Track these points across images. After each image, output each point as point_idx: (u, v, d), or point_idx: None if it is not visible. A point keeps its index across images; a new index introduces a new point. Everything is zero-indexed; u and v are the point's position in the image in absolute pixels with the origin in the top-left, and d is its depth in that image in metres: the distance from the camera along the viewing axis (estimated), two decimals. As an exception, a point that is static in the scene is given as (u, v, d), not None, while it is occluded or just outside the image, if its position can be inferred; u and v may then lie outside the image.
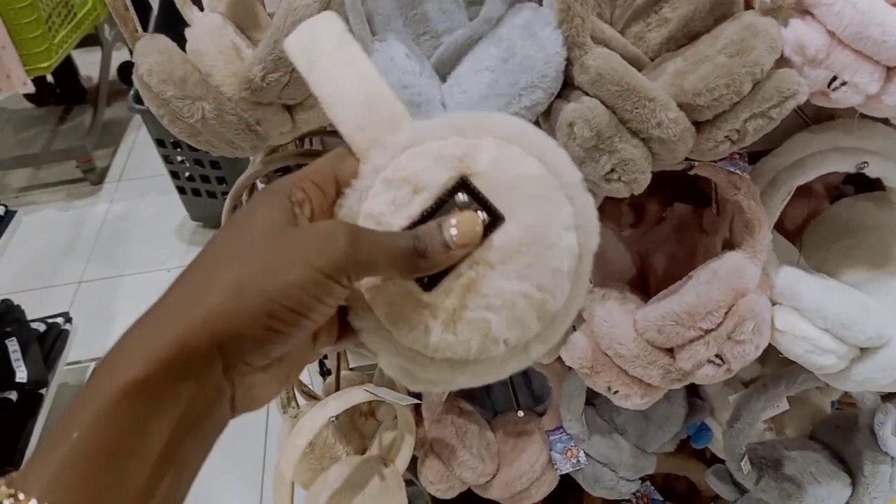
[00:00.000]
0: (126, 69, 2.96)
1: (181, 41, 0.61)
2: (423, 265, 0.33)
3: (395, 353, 0.36)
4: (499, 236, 0.34)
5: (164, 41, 0.57)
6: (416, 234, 0.33)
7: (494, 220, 0.34)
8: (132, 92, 2.06)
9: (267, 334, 0.31)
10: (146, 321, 0.31)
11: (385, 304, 0.35)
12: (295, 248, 0.31)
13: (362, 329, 0.36)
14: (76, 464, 0.27)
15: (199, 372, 0.30)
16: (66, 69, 2.78)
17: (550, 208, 0.35)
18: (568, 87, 0.56)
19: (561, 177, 0.36)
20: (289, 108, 0.61)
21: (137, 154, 2.73)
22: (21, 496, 0.26)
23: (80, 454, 0.27)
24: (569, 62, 0.55)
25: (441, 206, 0.35)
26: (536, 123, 0.58)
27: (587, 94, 0.55)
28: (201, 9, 0.64)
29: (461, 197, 0.35)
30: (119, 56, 2.89)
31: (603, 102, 0.54)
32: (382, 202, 0.35)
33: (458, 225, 0.33)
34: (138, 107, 2.03)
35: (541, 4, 0.56)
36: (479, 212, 0.34)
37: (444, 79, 0.60)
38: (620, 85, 0.53)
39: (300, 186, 0.34)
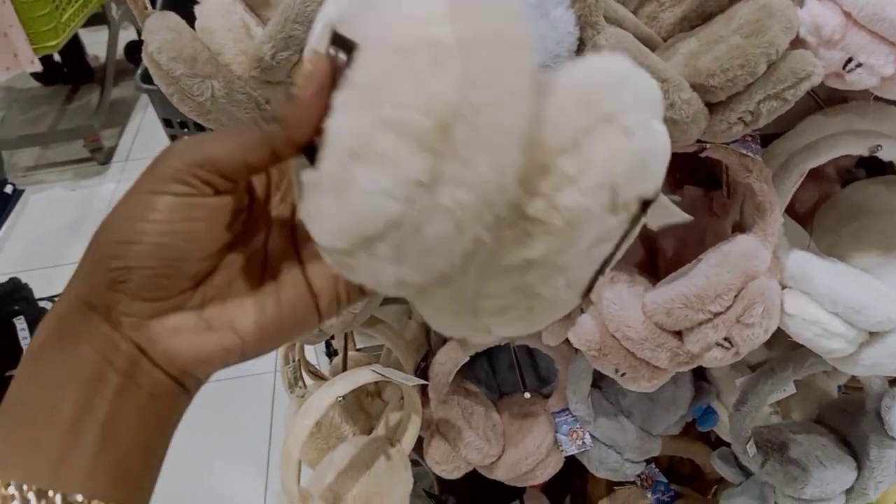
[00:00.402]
0: (133, 48, 2.96)
1: (189, 19, 0.61)
2: (279, 133, 0.30)
3: None
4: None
5: (173, 18, 0.57)
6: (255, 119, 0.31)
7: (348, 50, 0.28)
8: (139, 71, 2.05)
9: (118, 275, 0.30)
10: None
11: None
12: (155, 180, 0.30)
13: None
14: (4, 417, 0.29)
15: (78, 332, 0.30)
16: (74, 48, 2.77)
17: None
18: (580, 67, 0.55)
19: None
20: (298, 87, 0.61)
21: (145, 134, 2.73)
22: None
23: (8, 410, 0.29)
24: (581, 42, 0.54)
25: None
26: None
27: (599, 75, 0.54)
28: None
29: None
30: (126, 35, 2.88)
31: (615, 83, 0.53)
32: None
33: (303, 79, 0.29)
34: (146, 86, 2.01)
35: (553, -17, 0.56)
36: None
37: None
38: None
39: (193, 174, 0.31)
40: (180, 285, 0.31)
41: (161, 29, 0.56)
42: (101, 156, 2.59)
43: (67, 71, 2.90)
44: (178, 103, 0.58)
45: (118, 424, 0.29)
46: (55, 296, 1.79)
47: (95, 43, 2.91)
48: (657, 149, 0.31)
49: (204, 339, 0.32)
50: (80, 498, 0.27)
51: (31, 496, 0.26)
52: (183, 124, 2.05)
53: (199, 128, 2.20)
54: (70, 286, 0.31)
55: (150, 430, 0.31)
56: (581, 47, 0.54)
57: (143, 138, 2.71)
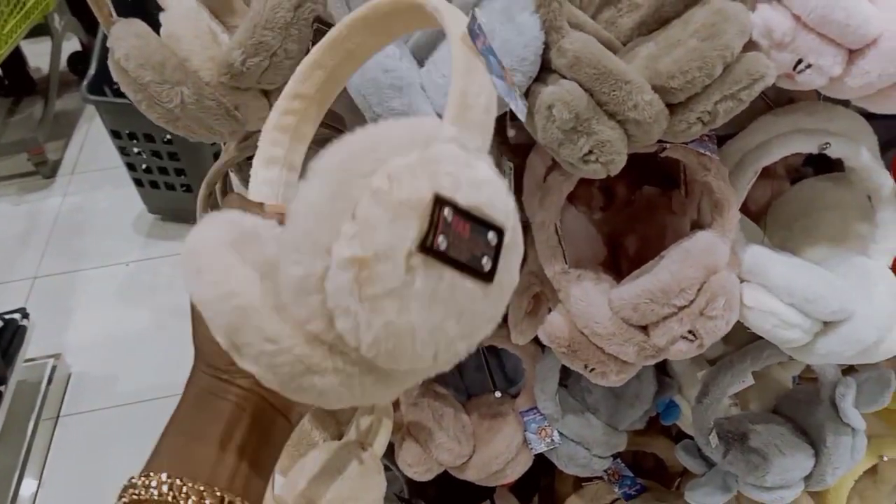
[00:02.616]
0: (76, 59, 2.89)
1: (152, 26, 0.60)
2: None
3: None
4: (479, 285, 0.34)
5: (140, 25, 0.57)
6: None
7: (489, 276, 0.34)
8: (86, 82, 2.02)
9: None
10: None
11: None
12: None
13: None
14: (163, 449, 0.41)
15: (217, 393, 0.41)
16: (15, 60, 2.70)
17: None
18: (545, 70, 0.57)
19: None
20: (266, 94, 0.61)
21: (90, 146, 2.67)
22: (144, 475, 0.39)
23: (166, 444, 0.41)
24: (546, 46, 0.56)
25: (478, 223, 0.34)
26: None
27: (564, 78, 0.56)
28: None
29: (492, 236, 0.34)
30: (69, 46, 2.82)
31: (581, 85, 0.55)
32: None
33: None
34: (92, 97, 1.99)
35: (518, -11, 0.57)
36: (487, 260, 0.34)
37: (421, 63, 0.61)
38: (597, 68, 0.54)
39: None
40: None
41: (128, 36, 0.56)
42: (46, 169, 2.53)
43: (9, 83, 2.82)
44: (147, 110, 0.58)
45: (248, 450, 0.41)
46: (4, 313, 1.74)
47: (37, 54, 2.84)
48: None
49: None
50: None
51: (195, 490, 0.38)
52: (132, 135, 2.02)
53: (149, 139, 2.15)
54: (197, 363, 0.42)
55: (270, 452, 0.43)
56: (546, 51, 0.56)
57: (89, 150, 2.65)
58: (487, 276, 0.34)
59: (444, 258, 0.32)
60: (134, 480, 0.38)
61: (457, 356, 0.35)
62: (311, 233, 0.31)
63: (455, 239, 0.32)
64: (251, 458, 0.41)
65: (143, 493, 0.37)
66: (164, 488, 0.37)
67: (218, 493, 0.38)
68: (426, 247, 0.31)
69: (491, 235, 0.34)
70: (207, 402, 0.41)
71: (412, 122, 0.35)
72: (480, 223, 0.33)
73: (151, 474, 0.38)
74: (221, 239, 0.37)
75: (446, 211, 0.32)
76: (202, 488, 0.38)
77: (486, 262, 0.34)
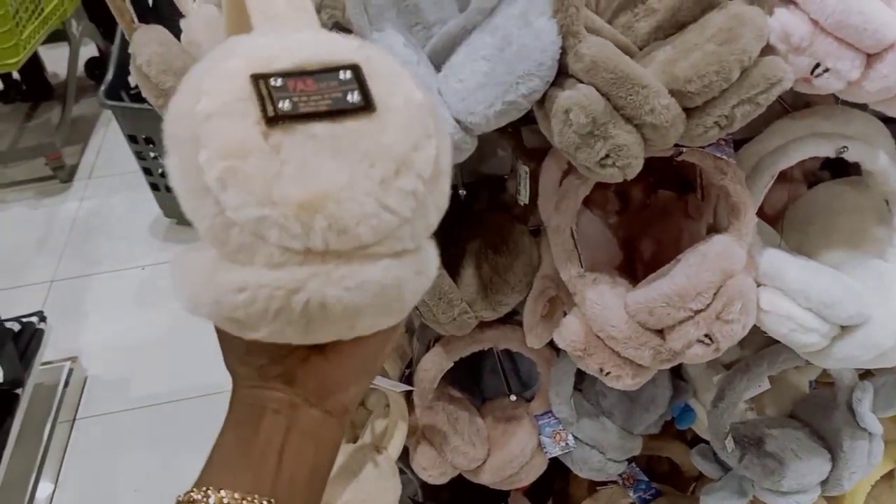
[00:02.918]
0: (94, 65, 2.92)
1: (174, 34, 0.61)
2: None
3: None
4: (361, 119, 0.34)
5: (162, 32, 0.58)
6: None
7: (367, 105, 0.34)
8: (103, 87, 2.04)
9: (248, 345, 0.38)
10: None
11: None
12: None
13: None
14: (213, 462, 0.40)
15: (255, 405, 0.41)
16: (33, 65, 2.73)
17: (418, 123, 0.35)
18: (562, 75, 0.57)
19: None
20: (285, 99, 0.62)
21: (107, 151, 2.70)
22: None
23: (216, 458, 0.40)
24: (563, 51, 0.56)
25: (322, 73, 0.34)
26: (532, 111, 0.59)
27: (581, 82, 0.56)
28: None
29: (345, 74, 0.34)
30: (86, 52, 2.85)
31: (597, 90, 0.55)
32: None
33: None
34: (110, 102, 2.01)
35: (534, -6, 0.58)
36: (353, 94, 0.34)
37: (438, 68, 0.61)
38: (615, 72, 0.54)
39: None
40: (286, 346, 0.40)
41: (150, 42, 0.57)
42: (64, 174, 2.56)
43: (27, 88, 2.86)
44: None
45: (298, 456, 0.40)
46: (22, 316, 1.76)
47: (55, 60, 2.87)
48: None
49: (333, 370, 0.41)
50: None
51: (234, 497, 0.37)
52: (148, 140, 2.04)
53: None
54: (234, 380, 0.42)
55: (322, 454, 0.42)
56: (563, 55, 0.56)
57: (106, 155, 2.68)
58: (365, 107, 0.33)
59: (299, 116, 0.32)
60: (193, 496, 0.38)
61: (407, 196, 0.34)
62: (188, 191, 0.32)
63: (301, 96, 0.33)
64: (307, 466, 0.40)
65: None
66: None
67: None
68: (270, 117, 0.32)
69: (343, 74, 0.34)
70: (253, 414, 0.40)
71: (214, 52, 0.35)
72: (322, 72, 0.34)
73: (209, 490, 0.37)
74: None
75: (272, 81, 0.32)
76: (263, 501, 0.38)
77: (352, 97, 0.33)
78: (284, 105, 0.32)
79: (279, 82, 0.32)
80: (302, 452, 0.40)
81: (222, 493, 0.37)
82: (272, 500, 0.38)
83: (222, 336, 0.41)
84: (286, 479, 0.39)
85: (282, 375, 0.40)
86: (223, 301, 0.33)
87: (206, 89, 0.32)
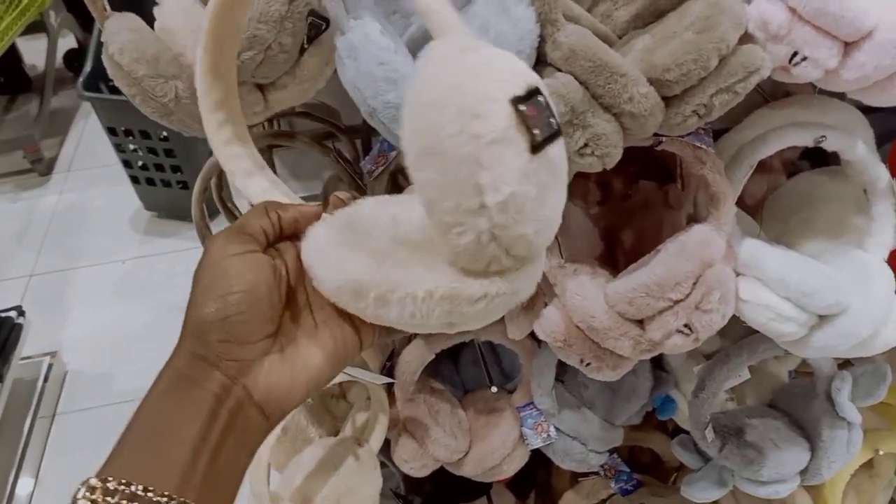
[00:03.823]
0: (72, 56, 2.89)
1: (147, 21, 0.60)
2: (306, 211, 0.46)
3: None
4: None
5: (134, 20, 0.57)
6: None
7: (559, 132, 0.36)
8: (81, 79, 2.01)
9: (222, 325, 0.38)
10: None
11: None
12: (218, 252, 0.41)
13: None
14: (128, 453, 0.37)
15: (195, 380, 0.38)
16: (11, 57, 2.69)
17: None
18: (540, 63, 0.57)
19: None
20: (261, 88, 0.61)
21: (87, 143, 2.66)
22: (92, 480, 0.35)
23: (131, 447, 0.37)
24: (541, 39, 0.56)
25: (534, 96, 0.35)
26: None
27: (560, 71, 0.56)
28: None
29: (542, 98, 0.36)
30: (65, 43, 2.81)
31: (576, 78, 0.55)
32: None
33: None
34: (88, 94, 1.98)
35: (513, -18, 0.57)
36: (552, 118, 0.36)
37: (415, 57, 0.61)
38: (593, 61, 0.54)
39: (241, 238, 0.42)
40: (265, 330, 0.40)
41: (122, 30, 0.56)
42: (42, 166, 2.52)
43: (4, 80, 2.81)
44: (141, 105, 0.58)
45: (222, 455, 0.38)
46: (0, 311, 1.74)
47: (33, 51, 2.83)
48: None
49: (289, 376, 0.41)
50: None
51: (159, 499, 0.34)
52: (128, 132, 2.02)
53: (145, 136, 2.15)
54: (181, 344, 0.39)
55: (241, 461, 0.40)
56: (541, 44, 0.56)
57: (85, 147, 2.65)
58: (558, 132, 0.36)
59: (544, 142, 0.35)
60: (93, 483, 0.34)
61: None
62: (453, 207, 0.34)
63: (537, 122, 0.35)
64: (225, 463, 0.38)
65: (100, 499, 0.34)
66: (125, 495, 0.34)
67: None
68: (534, 145, 0.34)
69: (540, 98, 0.35)
70: (184, 390, 0.38)
71: (436, 61, 0.37)
72: (532, 94, 0.35)
73: (111, 479, 0.34)
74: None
75: (521, 108, 0.34)
76: (167, 501, 0.35)
77: (553, 121, 0.36)
78: (537, 133, 0.34)
79: (526, 108, 0.35)
80: (232, 455, 0.39)
81: (124, 482, 0.34)
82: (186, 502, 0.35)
83: (202, 287, 0.40)
84: (208, 484, 0.37)
85: (238, 361, 0.39)
86: (458, 311, 0.37)
87: (478, 112, 0.33)
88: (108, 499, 0.33)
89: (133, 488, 0.34)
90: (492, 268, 0.36)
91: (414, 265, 0.37)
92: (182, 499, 0.35)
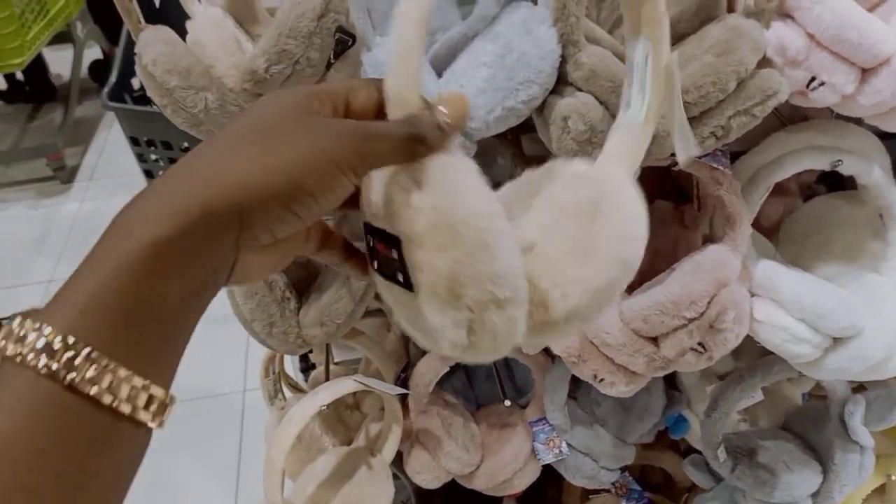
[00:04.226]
0: (97, 67, 2.93)
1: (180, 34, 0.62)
2: (422, 150, 0.34)
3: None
4: None
5: (167, 32, 0.58)
6: (411, 121, 0.34)
7: None
8: (106, 89, 2.04)
9: (283, 213, 0.32)
10: (165, 184, 0.32)
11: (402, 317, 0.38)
12: (317, 139, 0.33)
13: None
14: (98, 311, 0.28)
15: (217, 236, 0.31)
16: (37, 66, 2.74)
17: None
18: (562, 83, 0.58)
19: None
20: (288, 101, 0.62)
21: (109, 153, 2.71)
22: (46, 329, 0.27)
23: (103, 302, 0.28)
24: (563, 59, 0.57)
25: None
26: (530, 118, 0.60)
27: (580, 90, 0.57)
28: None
29: None
30: (90, 54, 2.86)
31: (596, 98, 0.56)
32: None
33: (448, 107, 0.35)
34: (112, 104, 2.01)
35: (535, 3, 0.59)
36: None
37: (439, 74, 0.62)
38: (613, 81, 0.55)
39: (317, 96, 0.35)
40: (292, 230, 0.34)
41: (156, 42, 0.57)
42: (64, 174, 2.56)
43: (30, 89, 2.87)
44: (172, 115, 0.59)
45: (193, 316, 0.32)
46: (17, 314, 1.76)
47: (58, 61, 2.88)
48: None
49: (263, 269, 0.36)
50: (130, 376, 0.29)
51: (74, 349, 0.27)
52: (150, 143, 2.04)
53: (166, 146, 2.17)
54: (223, 177, 0.31)
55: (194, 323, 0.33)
56: (563, 64, 0.57)
57: (107, 157, 2.69)
58: (407, 286, 0.35)
59: (382, 275, 0.36)
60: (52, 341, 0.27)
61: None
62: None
63: (382, 258, 0.35)
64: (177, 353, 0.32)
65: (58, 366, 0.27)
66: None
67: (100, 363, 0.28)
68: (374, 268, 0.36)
69: (394, 251, 0.34)
70: (205, 230, 0.31)
71: None
72: (385, 237, 0.35)
73: (79, 344, 0.28)
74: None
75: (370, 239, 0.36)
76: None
77: (399, 276, 0.35)
78: (375, 264, 0.38)
79: (372, 243, 0.37)
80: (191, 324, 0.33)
81: (50, 332, 0.27)
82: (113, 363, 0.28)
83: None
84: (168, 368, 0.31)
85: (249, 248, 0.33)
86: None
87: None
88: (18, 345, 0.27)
89: (46, 333, 0.27)
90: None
91: None
92: (97, 351, 0.28)
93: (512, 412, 0.93)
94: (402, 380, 0.89)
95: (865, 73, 0.58)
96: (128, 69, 2.03)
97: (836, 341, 0.69)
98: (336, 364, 0.99)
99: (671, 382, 0.92)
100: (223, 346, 1.51)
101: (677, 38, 0.62)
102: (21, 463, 0.26)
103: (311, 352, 1.01)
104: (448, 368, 0.85)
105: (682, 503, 1.10)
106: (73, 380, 0.27)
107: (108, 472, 0.29)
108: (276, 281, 0.72)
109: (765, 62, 0.58)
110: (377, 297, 0.83)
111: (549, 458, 0.89)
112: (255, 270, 0.35)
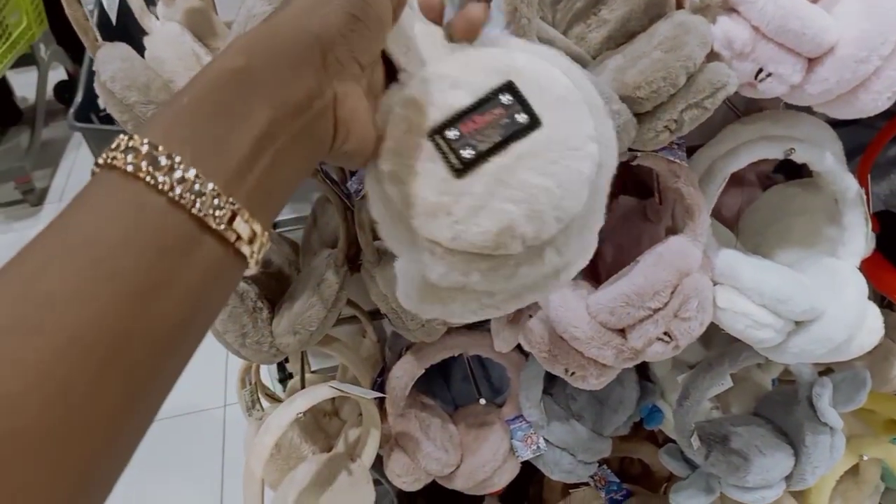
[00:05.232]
0: (63, 88, 2.91)
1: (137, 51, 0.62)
2: None
3: (411, 244, 0.37)
4: (532, 135, 0.36)
5: (125, 49, 0.59)
6: None
7: (532, 122, 0.36)
8: (72, 110, 2.03)
9: (352, 25, 0.34)
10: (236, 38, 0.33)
11: (410, 188, 0.36)
12: None
13: (381, 221, 0.38)
14: (188, 120, 0.29)
15: (297, 58, 0.32)
16: (1, 90, 2.72)
17: (577, 115, 0.38)
18: (517, 83, 0.59)
19: (586, 96, 0.39)
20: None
21: (78, 174, 2.68)
22: (136, 137, 0.28)
23: (191, 113, 0.29)
24: (517, 61, 0.58)
25: (483, 104, 0.36)
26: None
27: (535, 90, 0.58)
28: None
29: (505, 98, 0.36)
30: (55, 76, 2.84)
31: (551, 97, 0.57)
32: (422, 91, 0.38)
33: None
34: (79, 125, 2.00)
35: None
36: (519, 114, 0.36)
37: (398, 80, 0.63)
38: (567, 80, 0.56)
39: None
40: (370, 57, 0.36)
41: (113, 59, 0.58)
42: (34, 197, 2.54)
43: (-5, 113, 2.84)
44: (133, 131, 0.60)
45: (287, 158, 0.32)
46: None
47: (23, 84, 2.86)
48: None
49: (364, 116, 0.36)
50: (245, 215, 0.29)
51: (209, 189, 0.28)
52: (120, 162, 2.03)
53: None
54: (291, 8, 0.33)
55: (300, 173, 0.34)
56: (517, 65, 0.58)
57: (77, 178, 2.67)
58: (533, 123, 0.36)
59: (482, 157, 0.35)
60: (137, 144, 0.28)
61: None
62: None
63: (476, 135, 0.35)
64: (284, 173, 0.32)
65: (143, 167, 0.27)
66: (171, 176, 0.27)
67: (229, 206, 0.29)
68: (458, 169, 0.35)
69: (504, 98, 0.36)
70: (266, 69, 0.31)
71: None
72: (484, 102, 0.36)
73: (161, 148, 0.27)
74: None
75: (447, 133, 0.35)
76: (215, 198, 0.28)
77: (519, 117, 0.36)
78: (466, 152, 0.35)
79: (452, 134, 0.35)
80: (297, 171, 0.33)
81: (182, 164, 0.27)
82: (243, 211, 0.29)
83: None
84: (265, 193, 0.31)
85: (343, 67, 0.34)
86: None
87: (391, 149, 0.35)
88: (151, 170, 0.27)
89: (183, 171, 0.27)
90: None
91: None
92: (230, 199, 0.28)
93: (489, 411, 0.94)
94: (379, 384, 0.89)
95: (811, 62, 0.60)
96: (94, 90, 2.00)
97: (798, 325, 0.70)
98: (313, 372, 1.00)
99: (644, 374, 0.94)
100: (202, 362, 1.51)
101: (628, 36, 0.63)
102: (106, 261, 0.26)
103: (287, 361, 1.02)
104: (423, 371, 0.86)
105: (661, 493, 1.12)
106: (165, 186, 0.27)
107: (184, 284, 0.28)
108: (248, 292, 0.73)
109: (713, 56, 0.59)
110: (350, 303, 0.84)
111: (527, 455, 0.90)
112: (359, 103, 0.36)
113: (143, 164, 0.27)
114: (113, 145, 0.28)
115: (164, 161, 0.27)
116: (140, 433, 0.28)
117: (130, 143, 0.28)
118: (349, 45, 0.34)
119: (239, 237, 0.29)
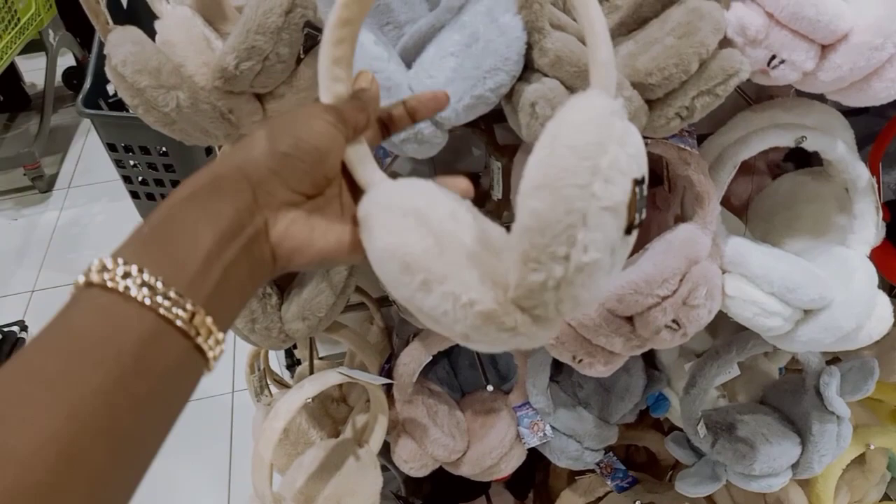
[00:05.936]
0: (71, 74, 2.92)
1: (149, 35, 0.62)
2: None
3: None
4: None
5: (136, 33, 0.59)
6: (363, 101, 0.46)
7: None
8: (81, 96, 2.04)
9: (282, 161, 0.40)
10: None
11: None
12: (314, 110, 0.43)
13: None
14: (150, 246, 0.35)
15: (230, 192, 0.38)
16: (10, 76, 2.73)
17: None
18: (528, 69, 0.59)
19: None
20: (259, 98, 0.63)
21: (86, 160, 2.69)
22: (109, 259, 0.34)
23: (152, 240, 0.36)
24: (528, 46, 0.58)
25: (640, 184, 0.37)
26: (499, 105, 0.61)
27: (547, 76, 0.58)
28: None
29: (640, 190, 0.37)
30: (63, 62, 2.84)
31: (562, 83, 0.57)
32: None
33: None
34: (88, 111, 2.00)
35: (500, -8, 0.60)
36: (643, 210, 0.37)
37: (408, 66, 0.63)
38: (578, 66, 0.56)
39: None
40: (310, 188, 0.42)
41: (124, 42, 0.58)
42: (43, 183, 2.55)
43: (4, 99, 2.84)
44: (143, 114, 0.60)
45: (232, 274, 0.37)
46: (3, 325, 1.75)
47: (32, 70, 2.87)
48: None
49: (307, 236, 0.42)
50: (208, 320, 0.35)
51: (171, 295, 0.33)
52: (128, 148, 2.04)
53: (144, 152, 2.16)
54: (232, 155, 0.40)
55: (246, 290, 0.39)
56: (529, 51, 0.58)
57: (85, 164, 2.68)
58: (638, 226, 0.37)
59: (634, 227, 0.36)
60: (107, 262, 0.33)
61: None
62: (549, 245, 0.35)
63: (641, 207, 0.37)
64: (233, 284, 0.37)
65: (113, 277, 0.33)
66: (138, 282, 0.33)
67: (189, 308, 0.34)
68: (628, 227, 0.36)
69: (639, 190, 0.36)
70: (209, 199, 0.38)
71: (590, 112, 0.37)
72: (642, 181, 0.37)
73: (126, 262, 0.33)
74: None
75: (636, 190, 0.36)
76: (177, 299, 0.34)
77: (640, 215, 0.37)
78: (640, 216, 0.36)
79: (641, 192, 0.36)
80: (243, 286, 0.39)
81: (149, 276, 0.33)
82: (201, 310, 0.34)
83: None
84: (219, 299, 0.36)
85: (273, 196, 0.40)
86: (483, 329, 0.38)
87: (609, 178, 0.34)
88: (121, 280, 0.33)
89: (146, 277, 0.33)
90: (535, 311, 0.37)
91: (469, 269, 0.38)
92: (189, 302, 0.34)
93: (496, 398, 0.95)
94: (387, 371, 0.90)
95: (825, 49, 0.59)
96: (102, 75, 2.00)
97: (807, 313, 0.70)
98: (321, 359, 1.00)
99: (651, 362, 0.94)
100: (209, 348, 1.52)
101: (640, 22, 0.63)
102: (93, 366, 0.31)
103: (295, 347, 1.02)
104: (431, 358, 0.86)
105: (667, 480, 1.12)
106: (136, 294, 0.33)
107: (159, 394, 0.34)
108: (257, 277, 0.73)
109: (726, 42, 0.59)
110: (358, 290, 0.85)
111: (533, 442, 0.91)
112: (302, 230, 0.41)
113: (118, 279, 0.33)
114: (86, 268, 0.34)
115: (134, 273, 0.33)
116: (129, 490, 0.33)
117: (106, 264, 0.34)
118: (281, 178, 0.40)
119: (198, 333, 0.35)
